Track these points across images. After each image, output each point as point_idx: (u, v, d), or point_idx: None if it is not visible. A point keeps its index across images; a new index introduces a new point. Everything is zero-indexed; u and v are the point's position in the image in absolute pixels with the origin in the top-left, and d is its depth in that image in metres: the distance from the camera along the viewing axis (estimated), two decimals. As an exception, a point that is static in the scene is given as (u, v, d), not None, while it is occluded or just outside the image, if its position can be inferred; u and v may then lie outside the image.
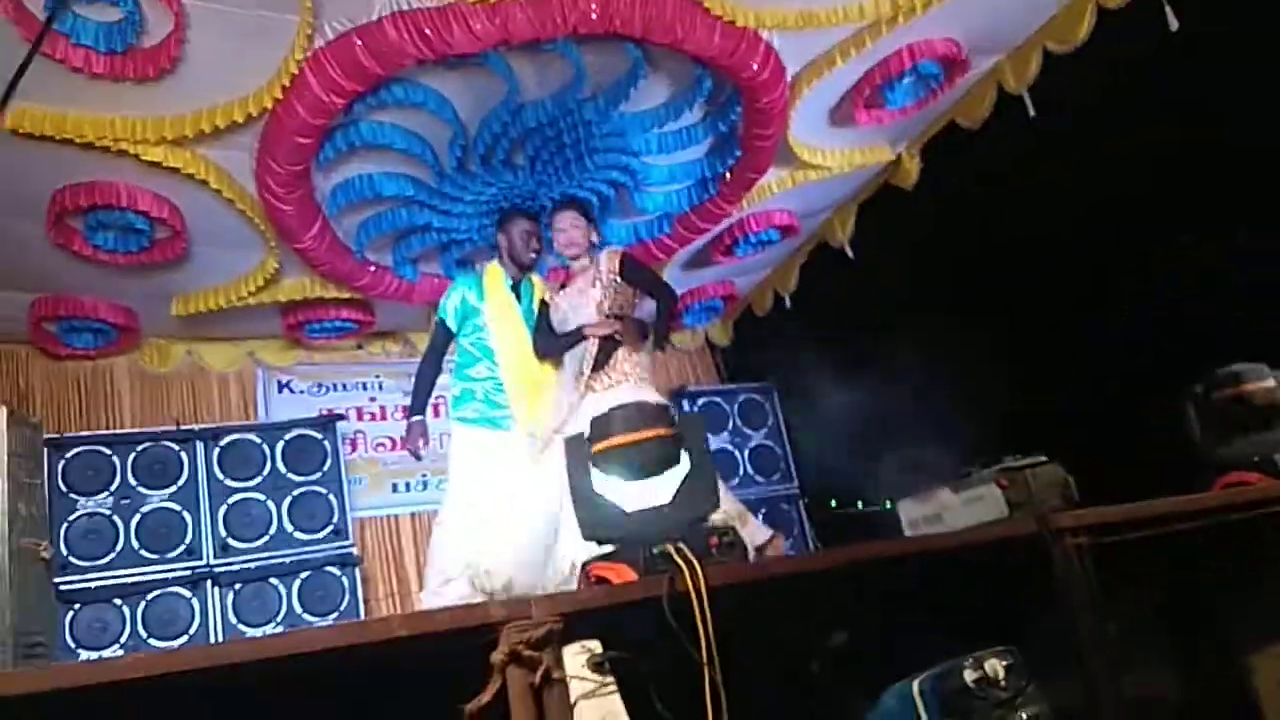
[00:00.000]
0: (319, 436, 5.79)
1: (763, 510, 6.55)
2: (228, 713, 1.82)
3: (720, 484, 3.77)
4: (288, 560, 5.40)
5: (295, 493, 5.58)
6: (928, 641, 2.00)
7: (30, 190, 4.31)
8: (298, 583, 5.37)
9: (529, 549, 3.80)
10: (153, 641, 4.93)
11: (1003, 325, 4.72)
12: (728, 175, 5.33)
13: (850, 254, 6.08)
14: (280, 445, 5.65)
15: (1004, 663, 1.90)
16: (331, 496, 5.67)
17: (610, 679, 1.70)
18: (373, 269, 5.61)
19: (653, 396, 3.78)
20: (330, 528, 5.59)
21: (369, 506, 6.44)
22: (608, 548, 2.27)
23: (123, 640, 4.90)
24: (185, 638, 5.00)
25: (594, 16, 3.81)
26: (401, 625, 1.72)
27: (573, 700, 1.69)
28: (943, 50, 4.49)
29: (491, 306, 4.05)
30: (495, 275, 4.14)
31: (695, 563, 1.89)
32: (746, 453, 6.75)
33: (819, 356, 6.15)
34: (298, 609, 5.32)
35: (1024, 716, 1.89)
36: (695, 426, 2.35)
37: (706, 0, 3.93)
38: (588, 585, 2.19)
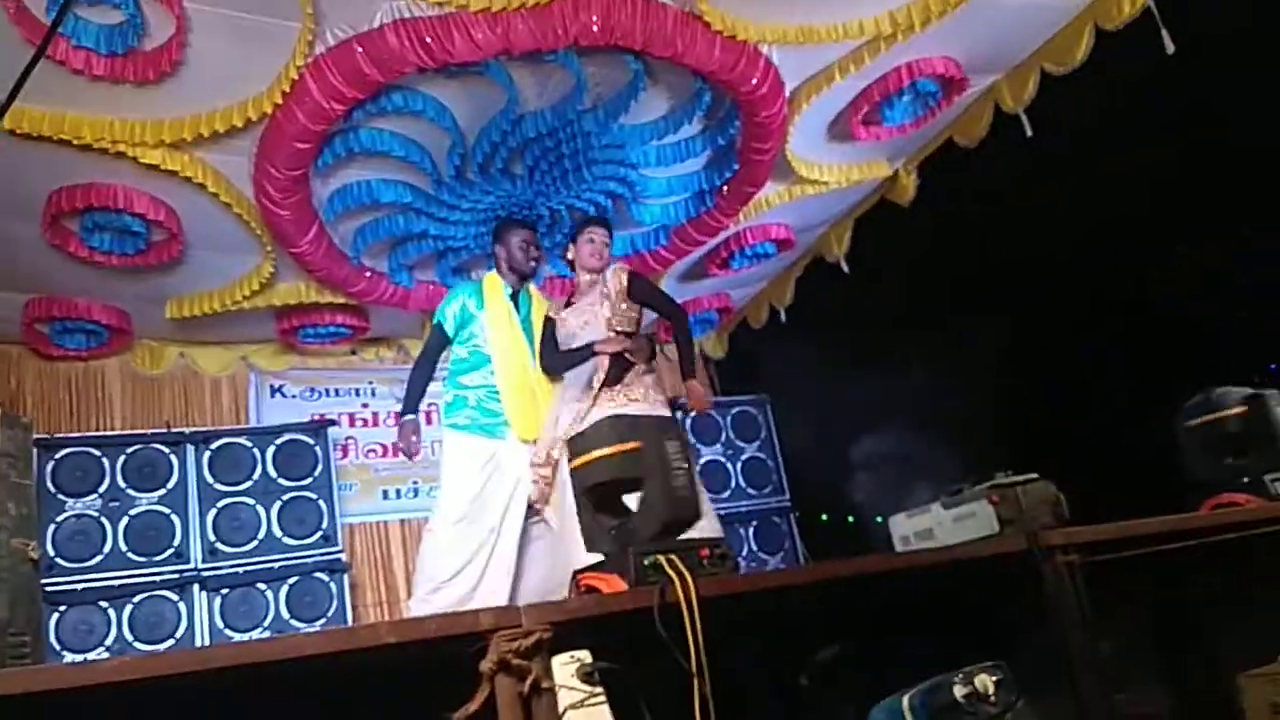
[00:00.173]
0: (310, 442, 5.77)
1: (754, 523, 6.54)
2: (213, 718, 1.81)
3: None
4: (276, 565, 5.38)
5: (285, 498, 5.56)
6: (918, 656, 2.00)
7: (27, 190, 4.31)
8: (286, 588, 5.35)
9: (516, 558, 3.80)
10: (139, 645, 4.90)
11: (997, 342, 4.73)
12: (725, 189, 5.35)
13: (846, 269, 6.10)
14: (271, 450, 5.63)
15: (994, 678, 1.90)
16: (321, 502, 5.64)
17: (599, 689, 1.69)
18: (368, 275, 5.61)
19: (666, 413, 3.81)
20: (319, 533, 5.56)
21: (359, 513, 6.42)
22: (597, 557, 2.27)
23: (108, 643, 4.87)
24: (171, 641, 4.96)
25: (595, 29, 3.82)
26: (390, 632, 1.71)
27: (561, 710, 1.68)
28: (941, 69, 4.52)
29: (491, 315, 4.05)
30: (495, 284, 4.15)
31: (686, 574, 1.89)
32: (739, 465, 6.74)
33: (813, 370, 6.16)
34: (285, 614, 5.29)
35: (1013, 733, 1.89)
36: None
37: (707, 14, 3.95)
38: (578, 595, 2.19)
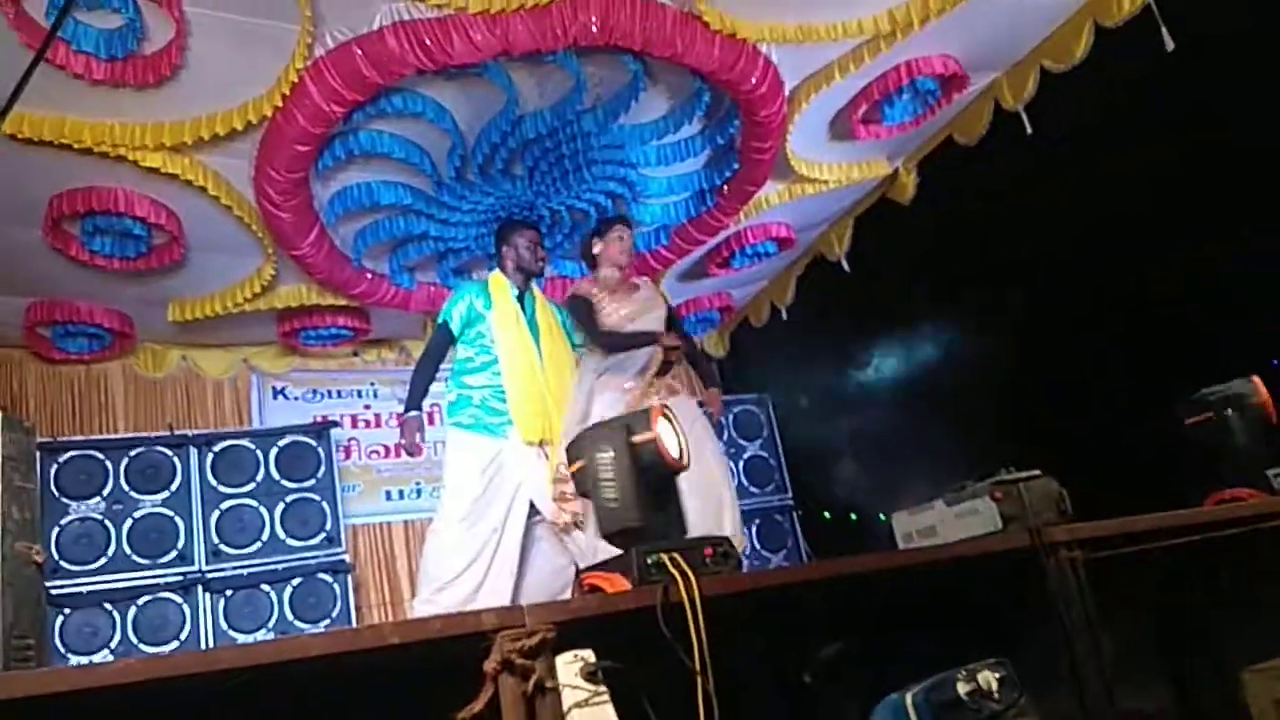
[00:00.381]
0: (313, 443, 5.78)
1: (757, 521, 6.55)
2: (217, 719, 1.81)
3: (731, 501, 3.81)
4: (280, 567, 5.38)
5: (288, 499, 5.57)
6: (921, 653, 2.00)
7: (28, 195, 4.31)
8: (289, 589, 5.35)
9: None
10: (143, 647, 4.90)
11: (998, 340, 4.73)
12: (725, 188, 5.35)
13: (847, 267, 6.10)
14: (274, 451, 5.64)
15: (997, 675, 1.90)
16: (324, 503, 5.65)
17: (603, 688, 1.70)
18: (369, 277, 5.62)
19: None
20: (323, 534, 5.57)
21: (362, 514, 6.42)
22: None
23: (113, 645, 4.88)
24: (176, 643, 4.97)
25: (594, 29, 3.82)
26: (394, 632, 1.72)
27: (565, 709, 1.68)
28: (941, 67, 4.52)
29: (499, 315, 4.02)
30: (501, 284, 4.12)
31: (690, 573, 1.90)
32: (741, 464, 6.75)
33: (815, 369, 6.16)
34: (289, 615, 5.30)
35: (1016, 729, 1.89)
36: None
37: (706, 14, 3.95)
38: (581, 594, 2.19)
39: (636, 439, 2.20)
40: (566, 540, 3.80)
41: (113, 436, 5.68)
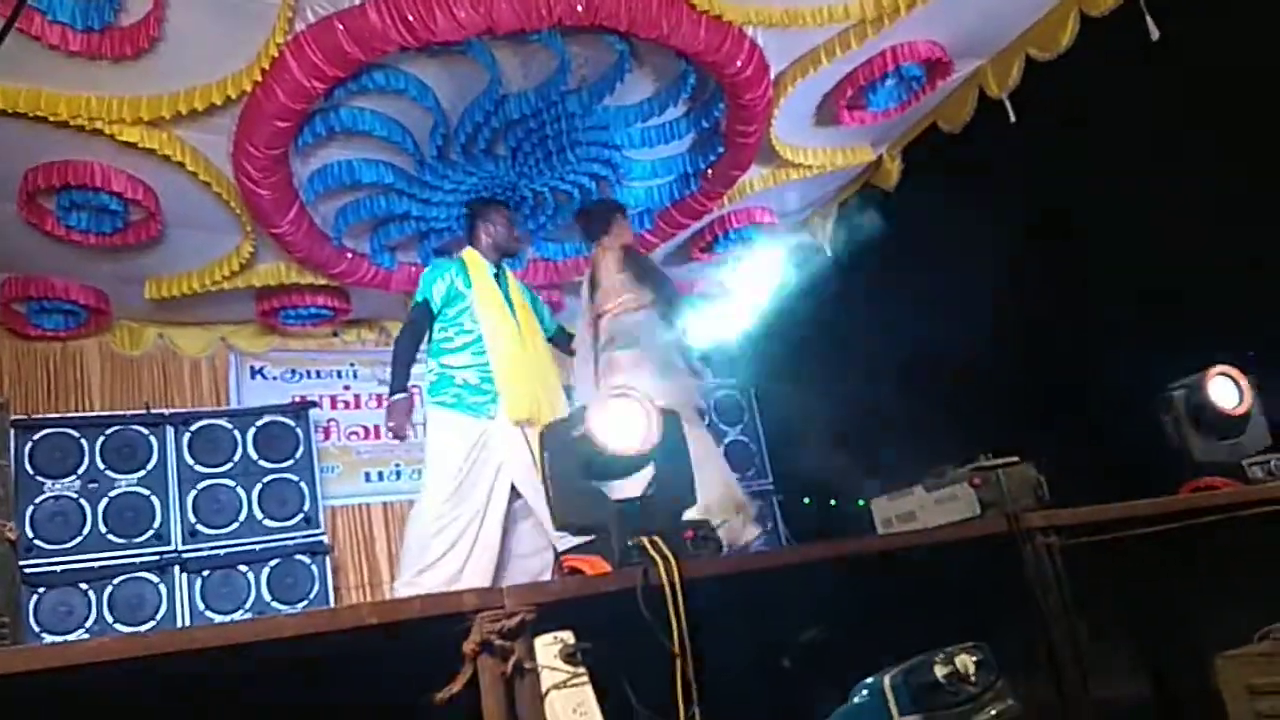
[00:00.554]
0: (291, 423, 5.74)
1: (737, 507, 6.56)
2: (193, 698, 1.80)
3: (728, 472, 3.83)
4: (257, 547, 5.36)
5: (266, 480, 5.53)
6: (899, 637, 2.01)
7: (2, 168, 4.25)
8: (267, 570, 5.33)
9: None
10: (119, 627, 4.87)
11: (980, 327, 4.75)
12: (710, 172, 5.34)
13: (830, 253, 6.11)
14: (252, 431, 5.60)
15: (974, 659, 1.92)
16: (303, 484, 5.62)
17: (582, 670, 1.70)
18: (350, 256, 5.57)
19: None
20: (301, 515, 5.54)
21: (341, 495, 6.40)
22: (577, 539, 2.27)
23: (88, 625, 4.84)
24: (152, 624, 4.94)
25: (580, 9, 3.80)
26: (372, 613, 1.71)
27: (544, 690, 1.68)
28: (926, 53, 4.52)
29: (480, 294, 3.97)
30: (479, 262, 4.06)
31: (670, 556, 1.90)
32: (722, 449, 6.74)
33: (797, 355, 6.16)
34: (266, 597, 5.27)
35: (993, 712, 1.91)
36: (671, 421, 2.33)
37: (693, -5, 3.93)
38: (562, 576, 2.19)
39: (576, 433, 2.19)
40: (543, 520, 3.79)
41: (88, 414, 5.61)
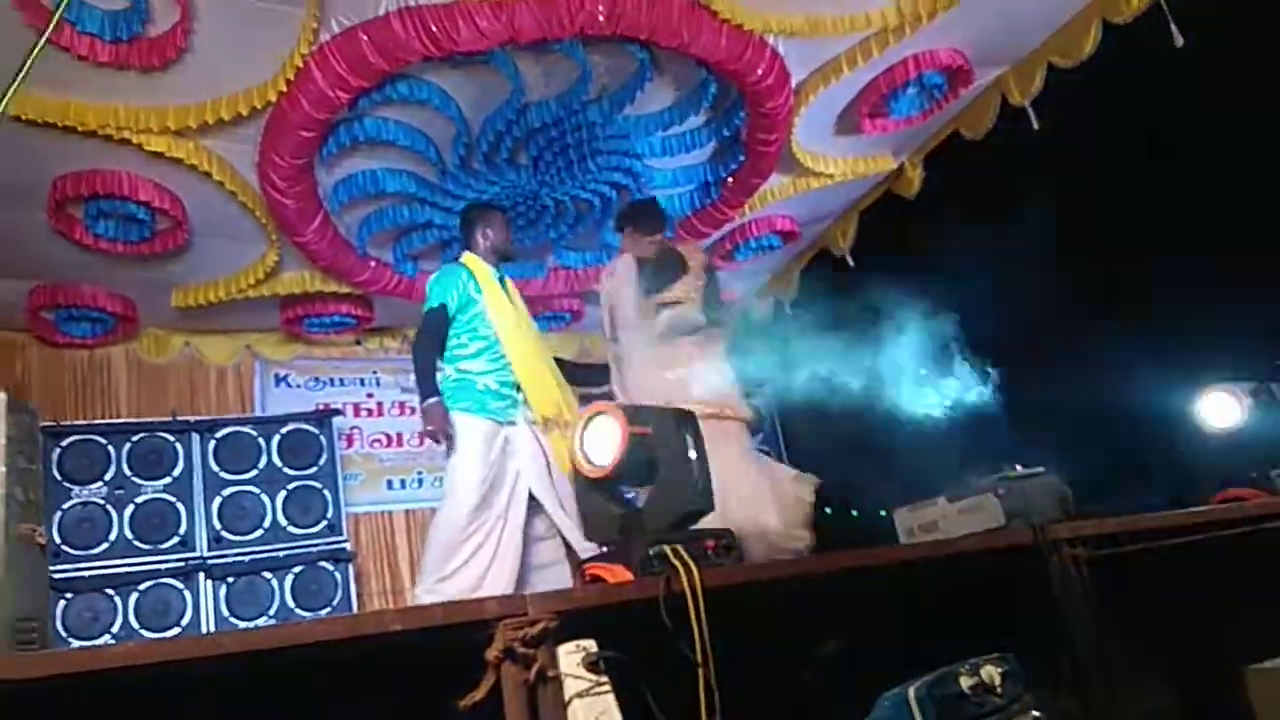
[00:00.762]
0: (315, 431, 5.78)
1: (757, 515, 6.53)
2: (218, 704, 1.81)
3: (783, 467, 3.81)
4: (281, 554, 5.39)
5: (290, 487, 5.57)
6: (922, 648, 1.99)
7: (31, 177, 4.31)
8: (290, 577, 5.36)
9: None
10: (144, 632, 4.91)
11: (1002, 336, 4.71)
12: (730, 180, 5.34)
13: (851, 262, 6.09)
14: (276, 439, 5.64)
15: (1000, 670, 1.89)
16: (326, 491, 5.66)
17: (604, 678, 1.70)
18: (373, 264, 5.61)
19: None
20: (324, 522, 5.58)
21: (364, 502, 6.43)
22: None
23: (114, 630, 4.88)
24: (177, 629, 4.98)
25: (601, 18, 3.81)
26: (396, 619, 1.72)
27: (566, 699, 1.68)
28: (947, 61, 4.51)
29: (492, 298, 3.97)
30: (483, 267, 4.03)
31: (692, 564, 1.89)
32: (742, 458, 6.74)
33: (817, 363, 6.14)
34: (290, 603, 5.30)
35: (1018, 724, 1.89)
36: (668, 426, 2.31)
37: (714, 4, 3.93)
38: (583, 584, 2.19)
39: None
40: (561, 528, 3.78)
41: (115, 421, 5.67)
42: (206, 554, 5.22)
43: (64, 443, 5.11)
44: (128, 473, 5.21)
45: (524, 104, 4.48)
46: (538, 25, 3.79)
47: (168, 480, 5.29)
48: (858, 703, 2.00)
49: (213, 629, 5.03)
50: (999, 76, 4.76)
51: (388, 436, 6.68)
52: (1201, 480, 2.96)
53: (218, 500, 5.37)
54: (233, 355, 6.46)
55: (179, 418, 5.60)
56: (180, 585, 5.10)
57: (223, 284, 5.58)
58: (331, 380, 6.74)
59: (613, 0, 3.78)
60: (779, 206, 5.75)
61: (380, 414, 6.76)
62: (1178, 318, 3.86)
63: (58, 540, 4.88)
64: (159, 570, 5.08)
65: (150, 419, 5.63)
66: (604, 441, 2.26)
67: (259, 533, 5.40)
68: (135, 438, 5.31)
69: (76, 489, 5.07)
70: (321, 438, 5.78)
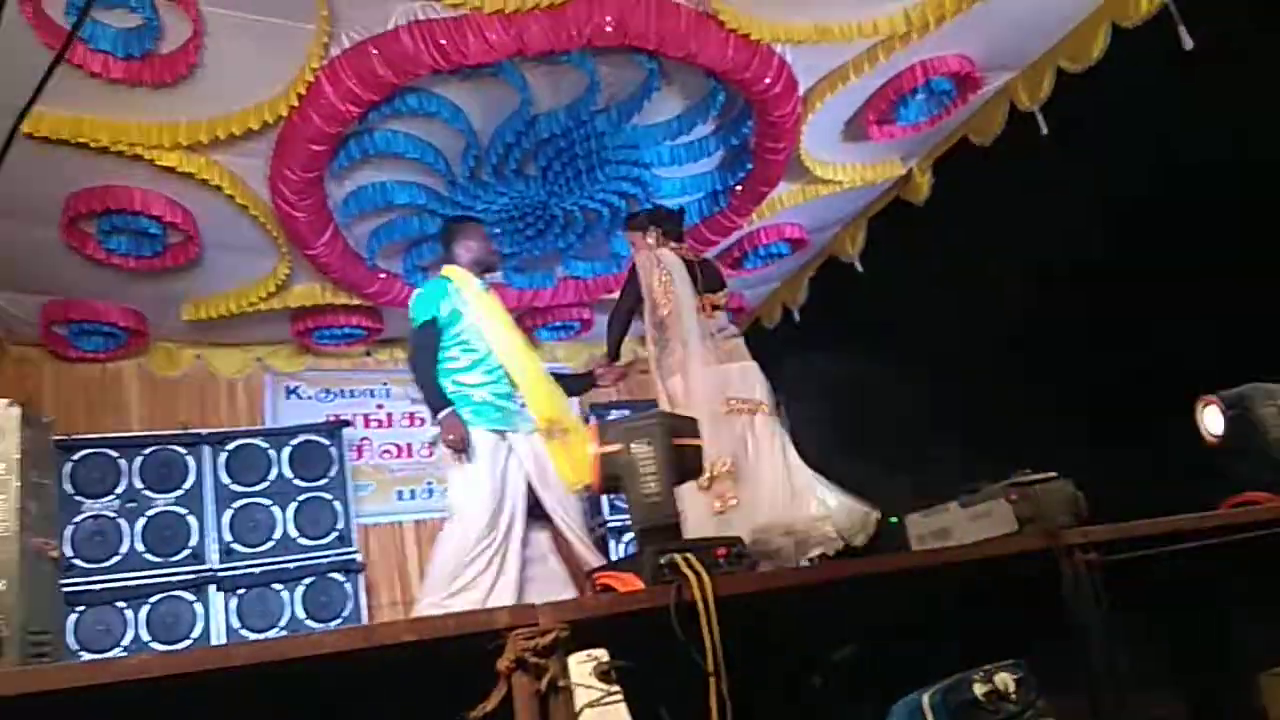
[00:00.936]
0: (325, 442, 5.80)
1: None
2: (229, 716, 1.82)
3: (816, 480, 4.19)
4: (292, 566, 5.41)
5: (300, 498, 5.59)
6: (934, 655, 1.99)
7: (44, 193, 4.34)
8: (301, 588, 5.38)
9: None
10: (156, 645, 4.93)
11: (1013, 341, 4.70)
12: (738, 188, 5.34)
13: (860, 268, 6.08)
14: (286, 451, 5.67)
15: (1014, 676, 1.89)
16: (336, 503, 5.67)
17: (616, 688, 1.69)
18: (383, 276, 5.63)
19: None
20: (335, 534, 5.59)
21: (374, 514, 6.44)
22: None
23: (125, 643, 4.91)
24: (188, 642, 5.00)
25: (609, 29, 3.83)
26: (407, 630, 1.72)
27: (578, 709, 1.68)
28: (956, 67, 4.50)
29: (480, 308, 3.97)
30: (469, 280, 4.01)
31: (703, 573, 1.89)
32: (753, 466, 6.72)
33: (827, 370, 6.13)
34: (301, 615, 5.32)
35: (1032, 731, 1.88)
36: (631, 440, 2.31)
37: (722, 13, 3.94)
38: (593, 593, 2.19)
39: (679, 441, 2.22)
40: (570, 539, 3.79)
41: (127, 435, 5.69)
42: (217, 566, 5.24)
43: (76, 456, 5.14)
44: (139, 485, 5.24)
45: (533, 115, 4.50)
46: (546, 37, 3.81)
47: (179, 493, 5.32)
48: (871, 710, 1.99)
49: (224, 641, 5.04)
50: (1007, 82, 4.75)
51: (398, 447, 6.69)
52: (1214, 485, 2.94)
53: (228, 512, 5.39)
54: (243, 368, 6.49)
55: (190, 430, 5.62)
56: (191, 597, 5.13)
57: (234, 297, 5.61)
58: (341, 392, 6.76)
59: (620, 11, 3.79)
60: (788, 214, 5.75)
61: (390, 425, 6.77)
62: (1192, 318, 3.84)
63: (70, 553, 4.91)
64: (170, 583, 5.11)
65: (161, 431, 5.67)
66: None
67: (270, 544, 5.42)
68: (146, 451, 5.34)
69: (88, 502, 5.10)
70: (332, 449, 5.80)
